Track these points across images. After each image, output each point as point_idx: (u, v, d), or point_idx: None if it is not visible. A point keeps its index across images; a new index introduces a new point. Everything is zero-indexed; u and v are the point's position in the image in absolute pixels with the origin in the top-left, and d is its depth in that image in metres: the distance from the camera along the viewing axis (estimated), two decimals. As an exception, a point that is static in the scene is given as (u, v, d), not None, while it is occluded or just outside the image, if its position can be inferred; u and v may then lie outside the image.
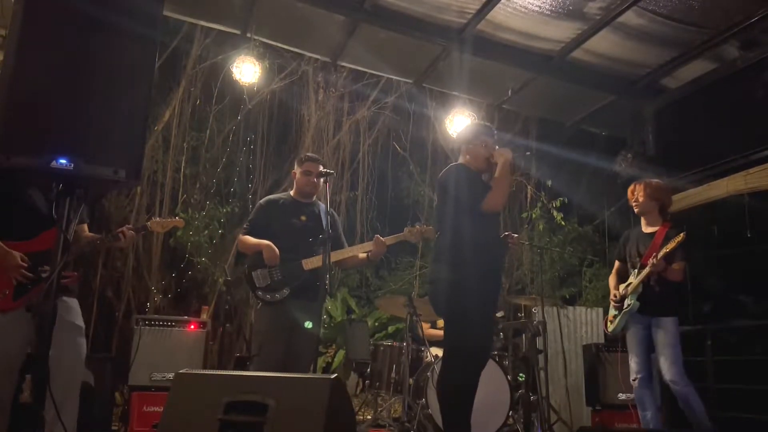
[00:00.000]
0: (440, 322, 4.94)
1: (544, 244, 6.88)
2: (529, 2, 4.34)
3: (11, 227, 2.57)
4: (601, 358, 5.05)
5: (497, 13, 4.49)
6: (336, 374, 1.96)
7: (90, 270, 6.92)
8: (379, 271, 9.46)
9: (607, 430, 4.74)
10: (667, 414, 3.79)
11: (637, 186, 3.98)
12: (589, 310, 6.07)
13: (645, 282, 3.72)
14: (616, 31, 4.60)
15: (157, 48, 1.92)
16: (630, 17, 4.39)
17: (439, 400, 3.14)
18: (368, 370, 4.90)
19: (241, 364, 3.51)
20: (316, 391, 1.81)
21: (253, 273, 3.43)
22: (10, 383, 2.51)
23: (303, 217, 3.59)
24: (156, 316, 5.52)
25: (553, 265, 7.75)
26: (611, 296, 3.93)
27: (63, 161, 1.63)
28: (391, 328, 8.34)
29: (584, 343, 5.61)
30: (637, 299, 3.73)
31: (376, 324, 8.44)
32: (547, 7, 4.37)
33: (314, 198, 3.73)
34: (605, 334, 5.83)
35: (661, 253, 3.64)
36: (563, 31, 4.69)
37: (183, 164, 7.63)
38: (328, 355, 7.98)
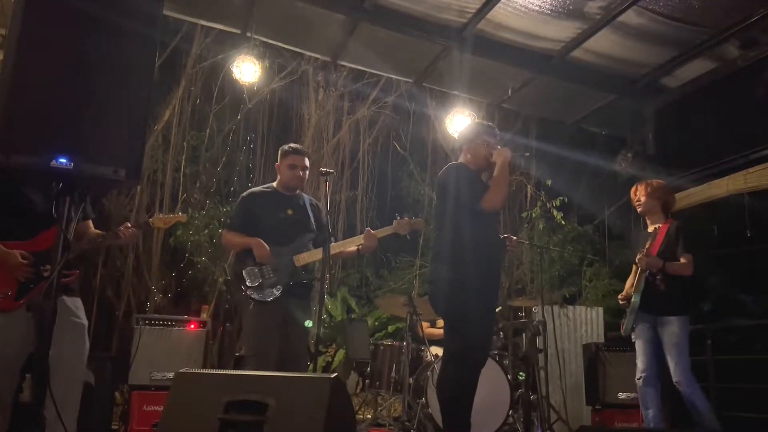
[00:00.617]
0: (440, 321, 4.94)
1: (544, 244, 6.87)
2: (529, 2, 4.34)
3: (11, 227, 2.57)
4: (601, 357, 5.05)
5: (497, 13, 4.49)
6: (336, 373, 1.96)
7: (90, 269, 6.92)
8: (379, 270, 9.46)
9: (607, 430, 4.74)
10: (669, 413, 3.78)
11: (639, 186, 3.99)
12: (588, 309, 6.07)
13: (649, 280, 3.69)
14: (616, 31, 4.60)
15: (157, 47, 1.92)
16: (630, 17, 4.39)
17: (439, 399, 3.14)
18: (368, 369, 4.89)
19: (241, 364, 3.49)
20: (316, 390, 1.81)
21: (243, 271, 3.27)
22: (12, 383, 2.51)
23: (290, 211, 3.45)
24: (156, 315, 5.52)
25: (553, 264, 7.74)
26: (619, 297, 3.92)
27: (63, 160, 1.63)
28: (391, 328, 8.34)
29: (584, 342, 5.61)
30: (641, 297, 3.71)
31: (376, 323, 8.45)
32: (547, 6, 4.37)
33: (297, 191, 3.59)
34: (605, 334, 5.87)
35: (646, 248, 3.64)
36: (563, 30, 4.69)
37: (183, 163, 7.64)
38: (328, 354, 7.98)
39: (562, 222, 7.92)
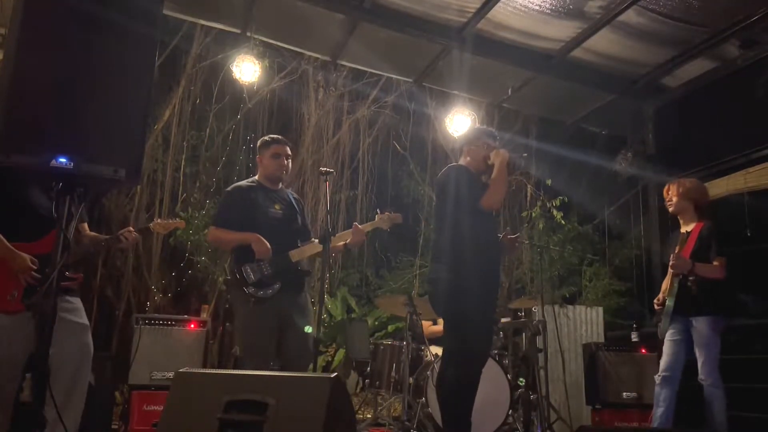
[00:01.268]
0: (441, 320, 4.94)
1: (544, 243, 6.87)
2: (529, 1, 4.34)
3: (18, 229, 2.57)
4: (600, 357, 5.05)
5: (497, 12, 4.49)
6: (336, 373, 1.96)
7: (90, 269, 6.91)
8: (379, 270, 9.45)
9: (607, 430, 4.74)
10: (679, 414, 3.78)
11: (671, 186, 3.96)
12: (588, 309, 6.07)
13: (682, 282, 3.67)
14: (616, 30, 4.60)
15: (157, 47, 1.92)
16: (630, 16, 4.39)
17: (439, 399, 3.15)
18: (368, 369, 4.89)
19: (241, 364, 3.48)
20: (316, 390, 1.81)
21: (243, 268, 3.24)
22: (14, 383, 2.51)
23: (277, 206, 3.43)
24: (156, 315, 5.51)
25: (552, 264, 7.73)
26: (655, 300, 3.92)
27: (63, 160, 1.63)
28: (391, 327, 8.33)
29: (584, 342, 5.61)
30: (675, 300, 3.71)
31: (376, 323, 8.44)
32: (548, 6, 4.37)
33: (279, 185, 3.57)
34: (605, 333, 5.87)
35: (676, 251, 3.64)
36: (563, 30, 4.69)
37: (183, 163, 7.62)
38: (328, 354, 7.98)
39: (562, 222, 7.91)
